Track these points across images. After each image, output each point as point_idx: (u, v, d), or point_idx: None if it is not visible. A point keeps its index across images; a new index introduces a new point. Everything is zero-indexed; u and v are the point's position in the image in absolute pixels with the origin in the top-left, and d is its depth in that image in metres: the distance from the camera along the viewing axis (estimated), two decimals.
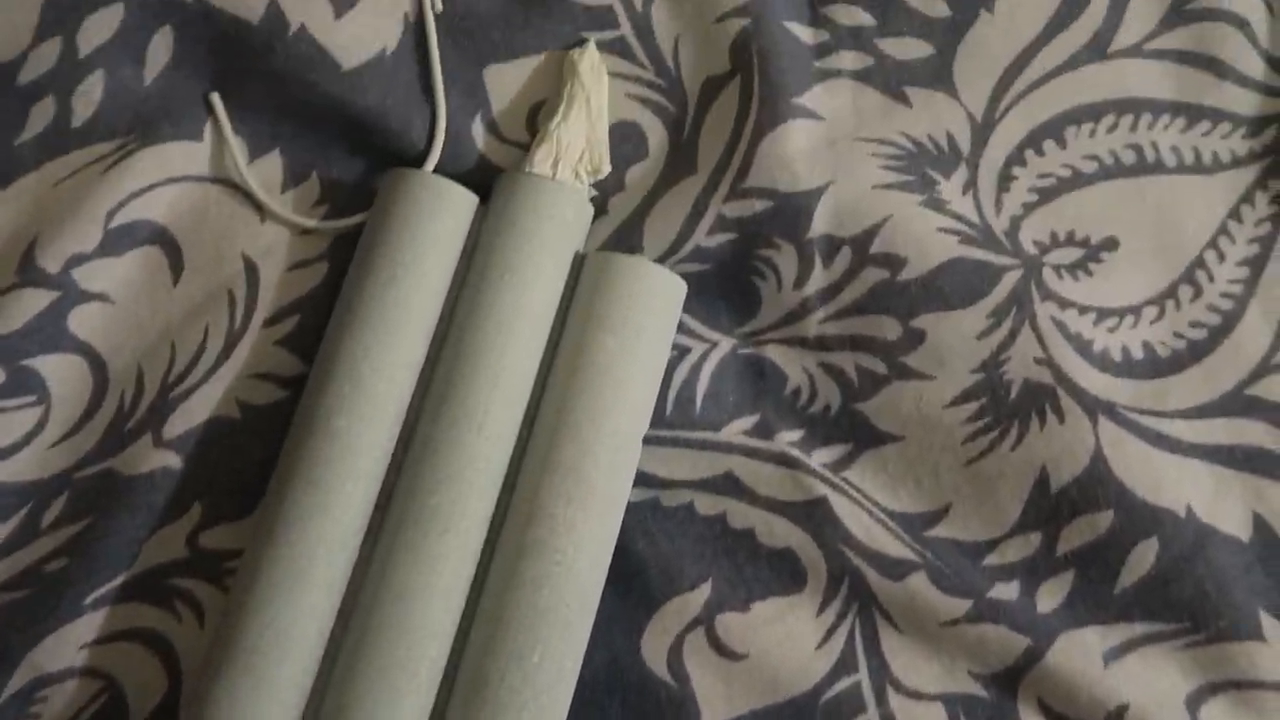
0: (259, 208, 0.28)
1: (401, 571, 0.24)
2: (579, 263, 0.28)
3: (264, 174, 0.29)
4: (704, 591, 0.27)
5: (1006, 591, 0.27)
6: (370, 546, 0.25)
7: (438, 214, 0.27)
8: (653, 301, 0.27)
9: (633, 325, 0.26)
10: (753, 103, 0.29)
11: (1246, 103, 0.31)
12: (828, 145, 0.29)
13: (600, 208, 0.29)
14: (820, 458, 0.29)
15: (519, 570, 0.25)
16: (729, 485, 0.28)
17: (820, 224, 0.29)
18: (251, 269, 0.28)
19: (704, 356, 0.29)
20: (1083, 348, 0.29)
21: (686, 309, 0.29)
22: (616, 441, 0.26)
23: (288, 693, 0.24)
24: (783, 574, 0.27)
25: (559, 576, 0.25)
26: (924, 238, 0.29)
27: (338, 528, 0.24)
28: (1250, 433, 0.28)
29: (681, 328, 0.29)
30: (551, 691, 0.24)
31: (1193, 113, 0.31)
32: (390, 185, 0.27)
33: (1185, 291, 0.29)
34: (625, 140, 0.30)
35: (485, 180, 0.29)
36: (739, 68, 0.29)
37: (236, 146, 0.28)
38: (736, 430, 0.29)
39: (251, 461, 0.27)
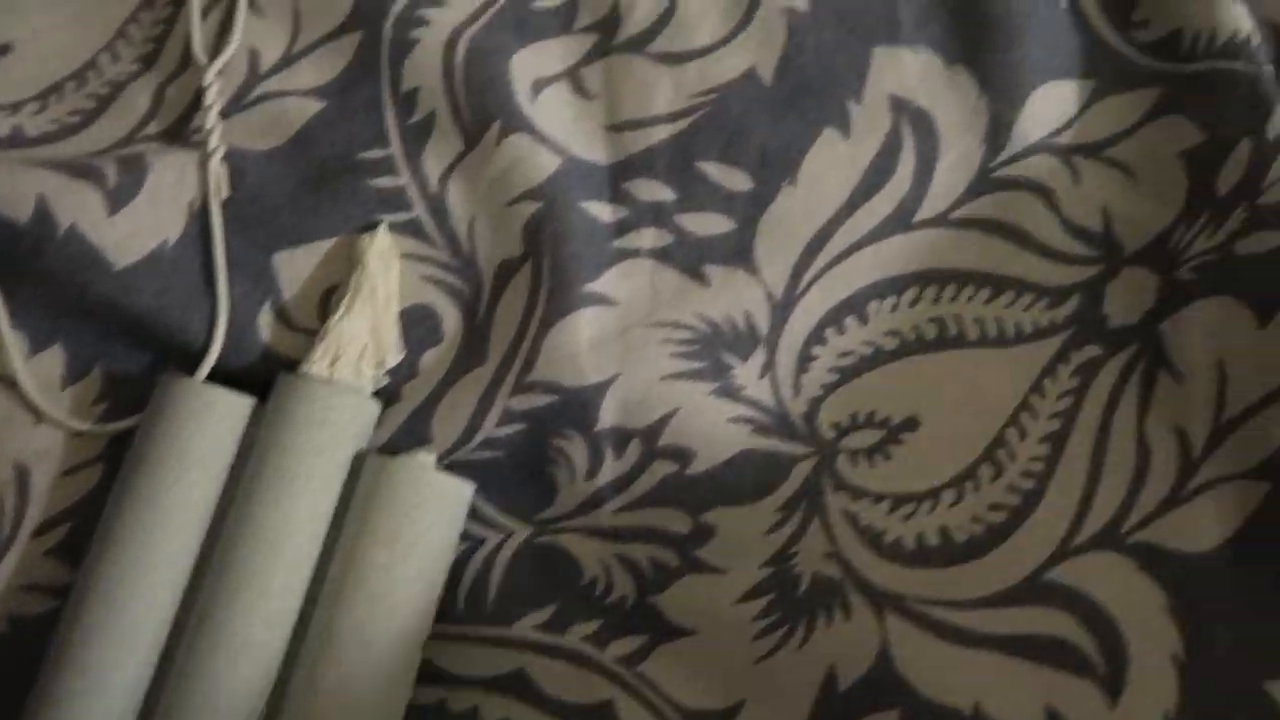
0: (35, 409, 0.28)
1: None
2: (360, 463, 0.27)
3: (44, 369, 0.28)
4: None
5: None
6: None
7: (206, 425, 0.26)
8: (430, 510, 0.26)
9: (406, 538, 0.26)
10: (541, 292, 0.28)
11: (1048, 272, 0.30)
12: (619, 334, 0.29)
13: (393, 395, 0.29)
14: (616, 650, 0.28)
15: None
16: (519, 685, 0.28)
17: (608, 417, 0.28)
18: (23, 475, 0.27)
19: (499, 546, 0.29)
20: (873, 540, 0.28)
21: (483, 496, 0.29)
22: (386, 660, 0.25)
23: None
24: None
25: None
26: (713, 429, 0.28)
27: None
28: (1046, 621, 0.28)
29: (476, 516, 0.29)
30: None
31: (996, 283, 0.30)
32: (160, 392, 0.27)
33: (986, 471, 0.29)
34: (419, 324, 0.29)
35: (272, 372, 0.28)
36: (531, 251, 0.29)
37: (14, 343, 0.28)
38: (530, 624, 0.28)
39: (25, 678, 0.26)
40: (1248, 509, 0.28)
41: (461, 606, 0.28)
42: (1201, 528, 0.28)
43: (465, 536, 0.29)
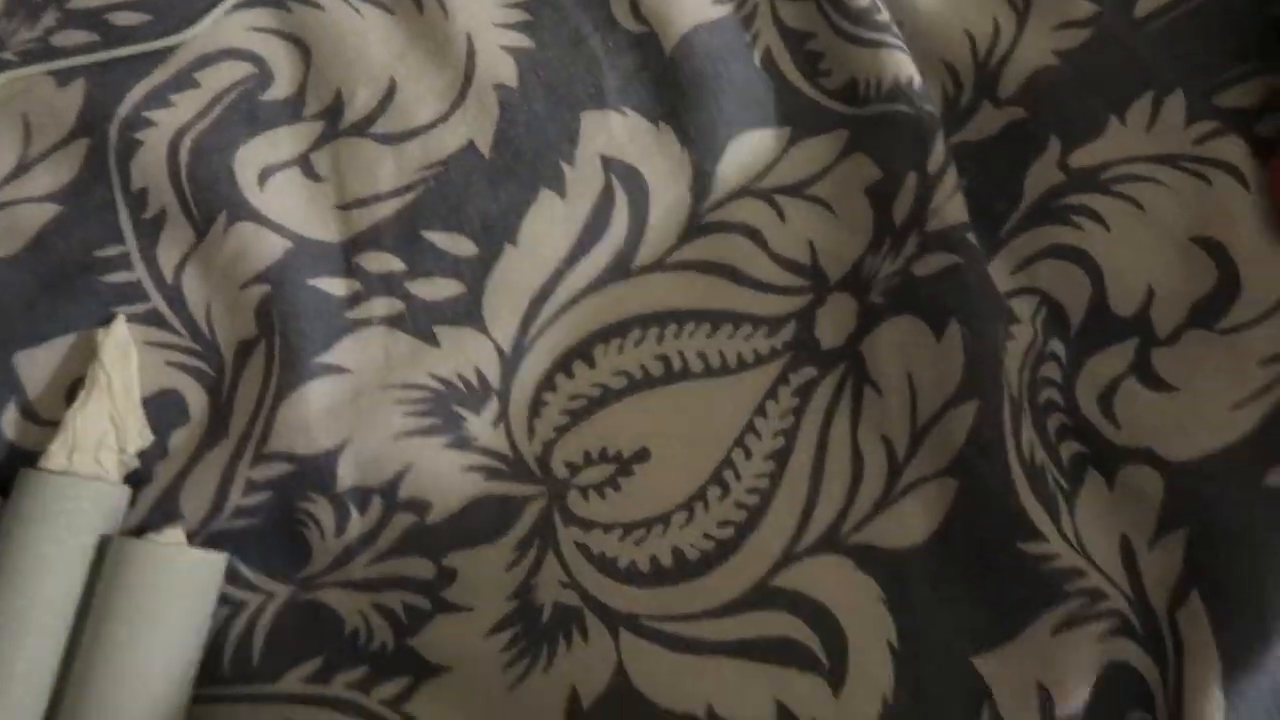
0: None
1: None
2: (106, 547, 0.29)
3: None
4: None
5: None
6: None
7: None
8: (172, 583, 0.28)
9: (147, 613, 0.27)
10: (274, 368, 0.30)
11: (764, 304, 0.33)
12: (350, 400, 0.31)
13: (145, 477, 0.30)
14: (381, 694, 0.30)
15: None
16: None
17: (347, 478, 0.30)
18: None
19: (261, 608, 0.30)
20: (606, 566, 0.30)
21: (241, 561, 0.30)
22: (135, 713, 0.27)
23: None
24: None
25: None
26: (448, 480, 0.30)
27: None
28: (773, 624, 0.30)
29: (237, 581, 0.30)
30: None
31: (715, 318, 0.33)
32: None
33: (714, 492, 0.31)
34: (168, 407, 0.31)
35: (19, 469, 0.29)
36: (263, 332, 0.31)
37: None
38: (296, 678, 0.29)
39: None
40: (946, 504, 0.31)
41: (227, 668, 0.29)
42: (909, 525, 0.31)
43: (226, 601, 0.30)
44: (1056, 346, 0.32)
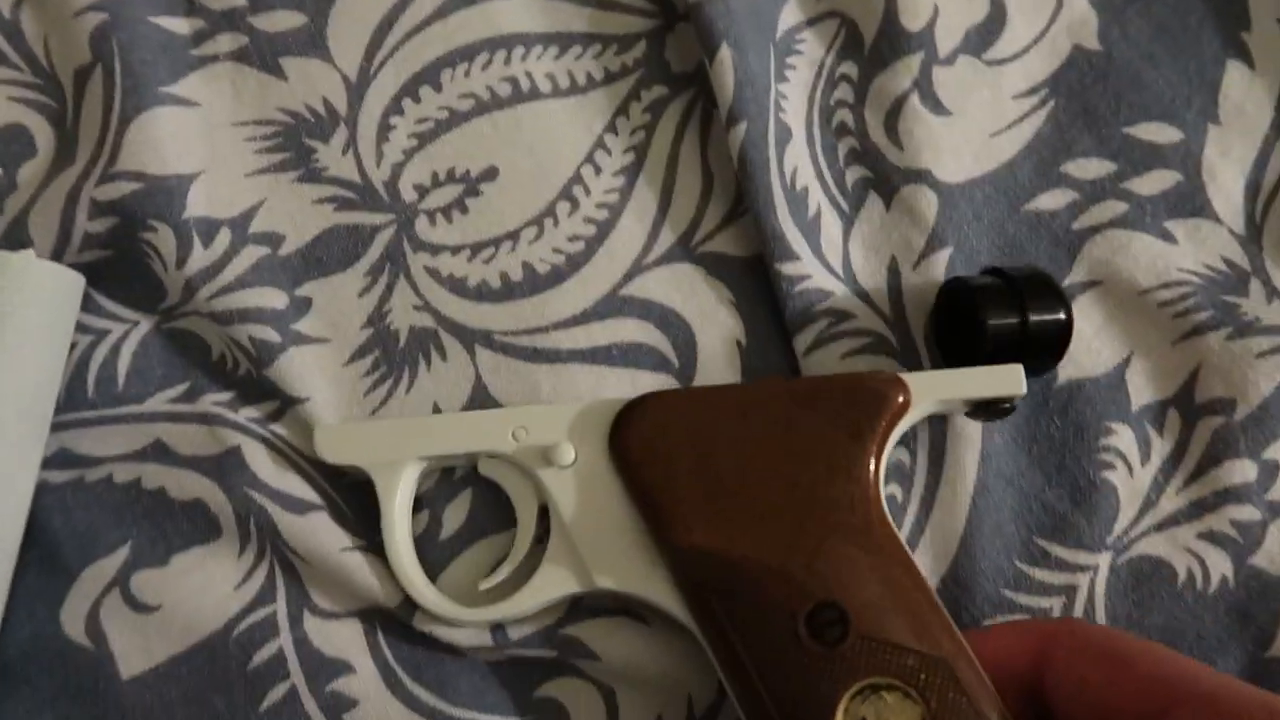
0: None
1: None
2: None
3: None
4: (121, 554, 0.29)
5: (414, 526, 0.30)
6: None
7: None
8: (26, 290, 0.28)
9: (13, 322, 0.28)
10: (117, 91, 0.30)
11: (615, 23, 0.33)
12: (203, 134, 0.31)
13: None
14: (247, 414, 0.30)
15: None
16: (156, 452, 0.30)
17: (196, 206, 0.30)
18: None
19: (124, 336, 0.31)
20: (457, 286, 0.31)
21: (104, 293, 0.31)
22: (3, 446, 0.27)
23: None
24: (198, 524, 0.29)
25: None
26: (300, 213, 0.31)
27: None
28: (624, 330, 0.31)
29: (97, 311, 0.31)
30: None
31: (564, 40, 0.33)
32: None
33: (563, 208, 0.32)
34: (14, 141, 0.31)
35: None
36: (99, 57, 0.30)
37: None
38: (162, 399, 0.30)
39: None
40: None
41: (92, 393, 0.30)
42: (751, 236, 0.32)
43: (88, 330, 0.30)
44: (850, 69, 0.33)
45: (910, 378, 0.27)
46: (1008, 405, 0.28)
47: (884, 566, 0.26)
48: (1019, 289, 0.28)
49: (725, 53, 0.31)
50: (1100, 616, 0.29)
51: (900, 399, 0.27)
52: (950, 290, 0.30)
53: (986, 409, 0.28)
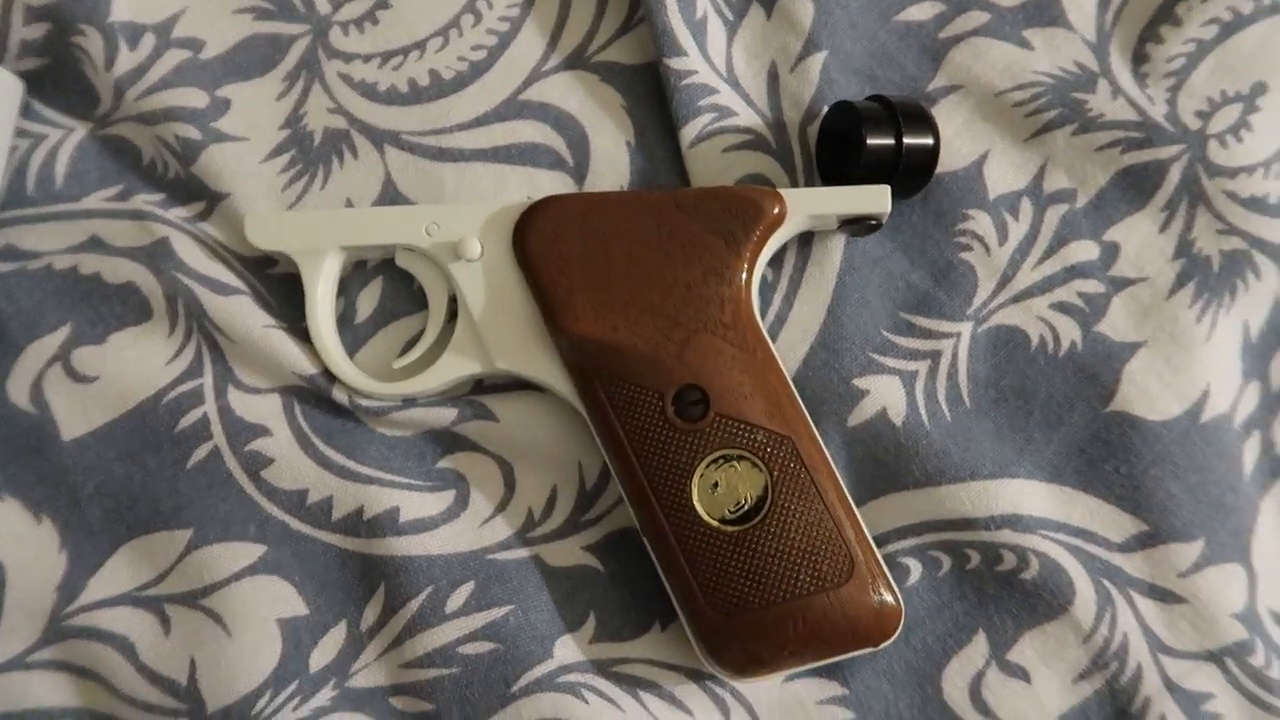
0: None
1: None
2: None
3: None
4: (62, 333, 0.31)
5: None
6: None
7: None
8: None
9: None
10: None
11: None
12: None
13: None
14: (178, 214, 0.33)
15: None
16: (92, 245, 0.32)
17: (119, 12, 0.33)
18: None
19: (61, 141, 0.33)
20: (368, 91, 0.33)
21: (41, 100, 0.33)
22: None
23: None
24: (131, 306, 0.32)
25: None
26: (220, 20, 0.33)
27: None
28: (523, 131, 0.33)
29: (35, 117, 0.33)
30: None
31: None
32: None
33: (467, 20, 0.34)
34: None
35: None
36: None
37: None
38: (98, 198, 0.33)
39: None
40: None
41: (32, 191, 0.33)
42: (645, 46, 0.34)
43: (27, 134, 0.33)
44: None
45: (787, 193, 0.30)
46: (874, 223, 0.31)
47: (746, 359, 0.29)
48: (895, 115, 0.31)
49: None
50: (962, 378, 0.31)
51: (775, 210, 0.30)
52: (834, 112, 0.32)
53: (854, 225, 0.31)
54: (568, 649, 0.30)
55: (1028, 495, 0.30)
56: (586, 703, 0.29)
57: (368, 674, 0.29)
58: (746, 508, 0.28)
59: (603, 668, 0.30)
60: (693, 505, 0.28)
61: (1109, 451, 0.30)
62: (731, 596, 0.27)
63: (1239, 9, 0.32)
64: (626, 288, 0.29)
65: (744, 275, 0.29)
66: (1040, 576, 0.28)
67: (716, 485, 0.28)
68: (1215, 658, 0.28)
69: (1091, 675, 0.28)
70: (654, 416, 0.28)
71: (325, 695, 0.29)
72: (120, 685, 0.29)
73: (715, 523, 0.28)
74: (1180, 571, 0.29)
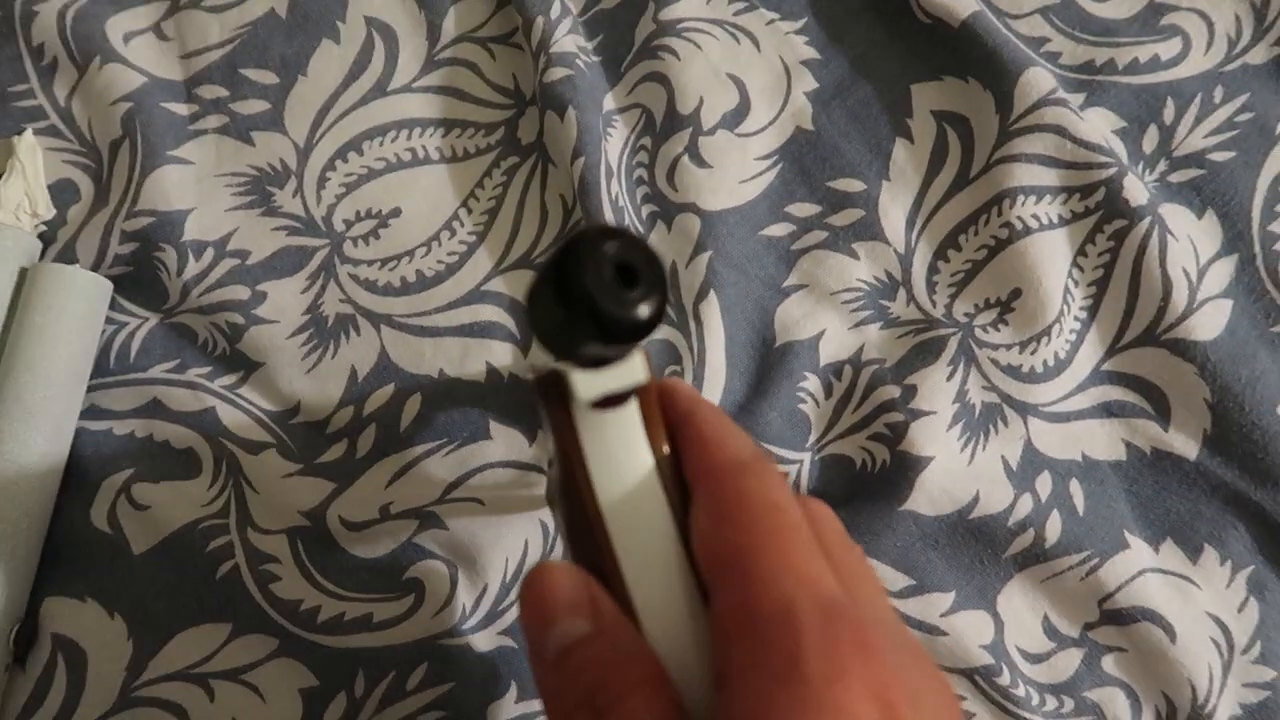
0: None
1: None
2: (25, 276, 0.42)
3: None
4: (127, 473, 0.41)
5: (333, 453, 0.43)
6: None
7: None
8: (72, 290, 0.42)
9: (57, 306, 0.41)
10: (139, 155, 0.44)
11: (483, 114, 0.48)
12: (195, 182, 0.45)
13: (51, 238, 0.44)
14: (222, 382, 0.44)
15: None
16: (154, 408, 0.43)
17: (190, 234, 0.44)
18: None
19: (138, 327, 0.44)
20: (370, 285, 0.45)
21: (123, 296, 0.44)
22: (50, 385, 0.40)
23: None
24: (188, 465, 0.42)
25: (10, 469, 0.39)
26: (262, 236, 0.45)
27: None
28: (484, 313, 0.44)
29: (119, 309, 0.44)
30: (8, 542, 0.38)
31: (449, 124, 0.48)
32: None
33: (445, 235, 0.46)
34: (64, 191, 0.45)
35: None
36: (127, 133, 0.45)
37: None
38: (160, 370, 0.44)
39: None
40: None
41: (112, 365, 0.43)
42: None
43: (111, 322, 0.44)
44: (646, 141, 0.48)
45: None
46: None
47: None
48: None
49: (571, 112, 0.45)
50: (804, 489, 0.42)
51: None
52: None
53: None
54: (500, 710, 0.40)
55: None
56: None
57: None
58: None
59: None
60: None
61: (895, 536, 0.41)
62: None
63: (999, 236, 0.45)
64: None
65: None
66: None
67: None
68: (968, 674, 0.39)
69: None
70: None
71: None
72: None
73: None
74: (941, 613, 0.40)
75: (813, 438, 0.43)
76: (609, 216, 0.44)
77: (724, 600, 0.24)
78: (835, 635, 0.22)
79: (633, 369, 0.26)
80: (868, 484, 0.42)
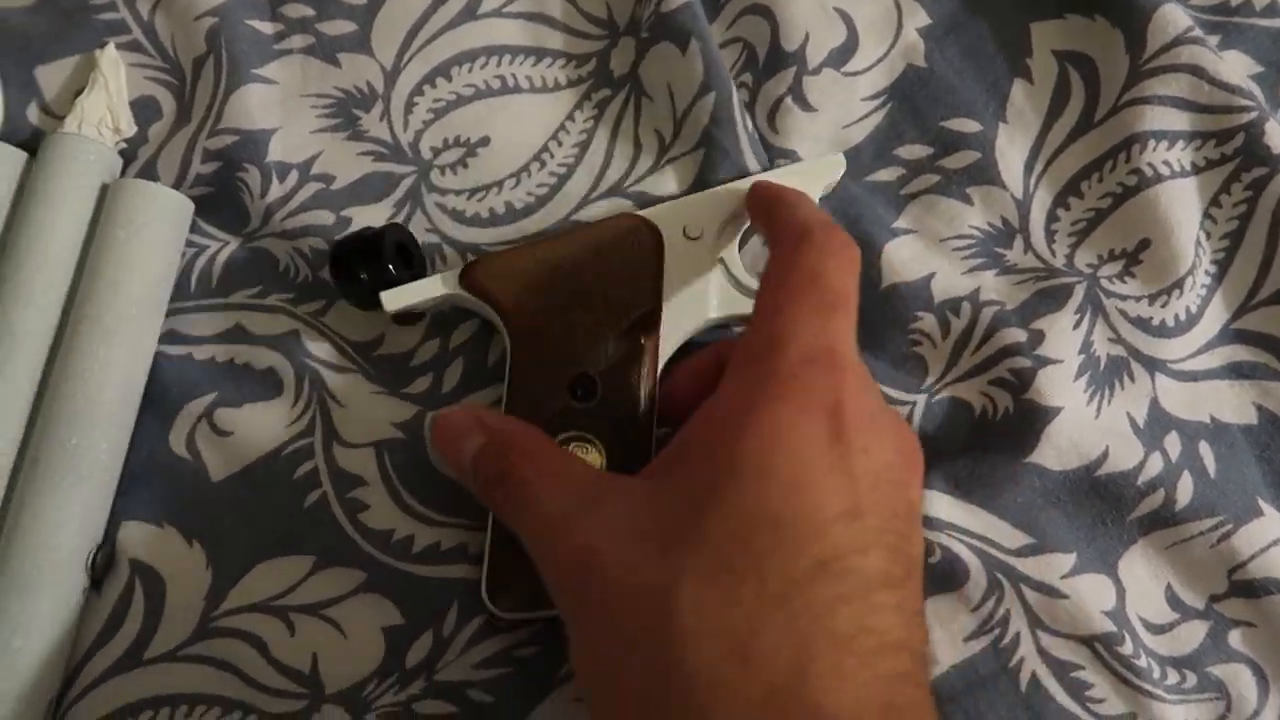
0: None
1: None
2: (106, 191, 0.41)
3: None
4: (209, 398, 0.40)
5: (420, 385, 0.41)
6: None
7: None
8: (154, 207, 0.40)
9: (138, 223, 0.40)
10: (223, 73, 0.43)
11: (574, 44, 0.46)
12: (280, 102, 0.44)
13: (131, 156, 0.43)
14: (305, 309, 0.42)
15: (62, 386, 0.38)
16: (236, 333, 0.41)
17: (274, 154, 0.43)
18: None
19: (218, 251, 0.43)
20: (457, 215, 0.43)
21: (203, 219, 0.43)
22: (131, 304, 0.39)
23: None
24: (269, 385, 0.40)
25: (91, 389, 0.38)
26: (347, 161, 0.43)
27: None
28: None
29: (199, 232, 0.43)
30: (89, 465, 0.37)
31: (539, 53, 0.46)
32: None
33: (535, 166, 0.44)
34: (145, 109, 0.44)
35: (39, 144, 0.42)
36: (212, 49, 0.43)
37: None
38: (242, 295, 0.42)
39: None
40: (697, 166, 0.44)
41: (193, 288, 0.42)
42: (670, 182, 0.44)
43: (191, 245, 0.42)
44: (747, 78, 0.45)
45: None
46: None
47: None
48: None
49: (695, 44, 0.43)
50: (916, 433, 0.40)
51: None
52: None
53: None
54: None
55: (934, 503, 0.38)
56: None
57: (448, 671, 0.37)
58: None
59: None
60: None
61: (1017, 490, 0.38)
62: None
63: (1127, 184, 0.42)
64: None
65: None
66: (942, 562, 0.37)
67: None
68: (1087, 642, 0.37)
69: (978, 636, 0.37)
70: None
71: (417, 686, 0.37)
72: (253, 674, 0.37)
73: None
74: (1062, 574, 0.37)
75: (929, 379, 0.41)
76: (747, 153, 0.43)
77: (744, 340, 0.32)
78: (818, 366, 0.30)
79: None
80: (989, 432, 0.40)
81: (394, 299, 0.39)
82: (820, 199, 0.42)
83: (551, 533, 0.30)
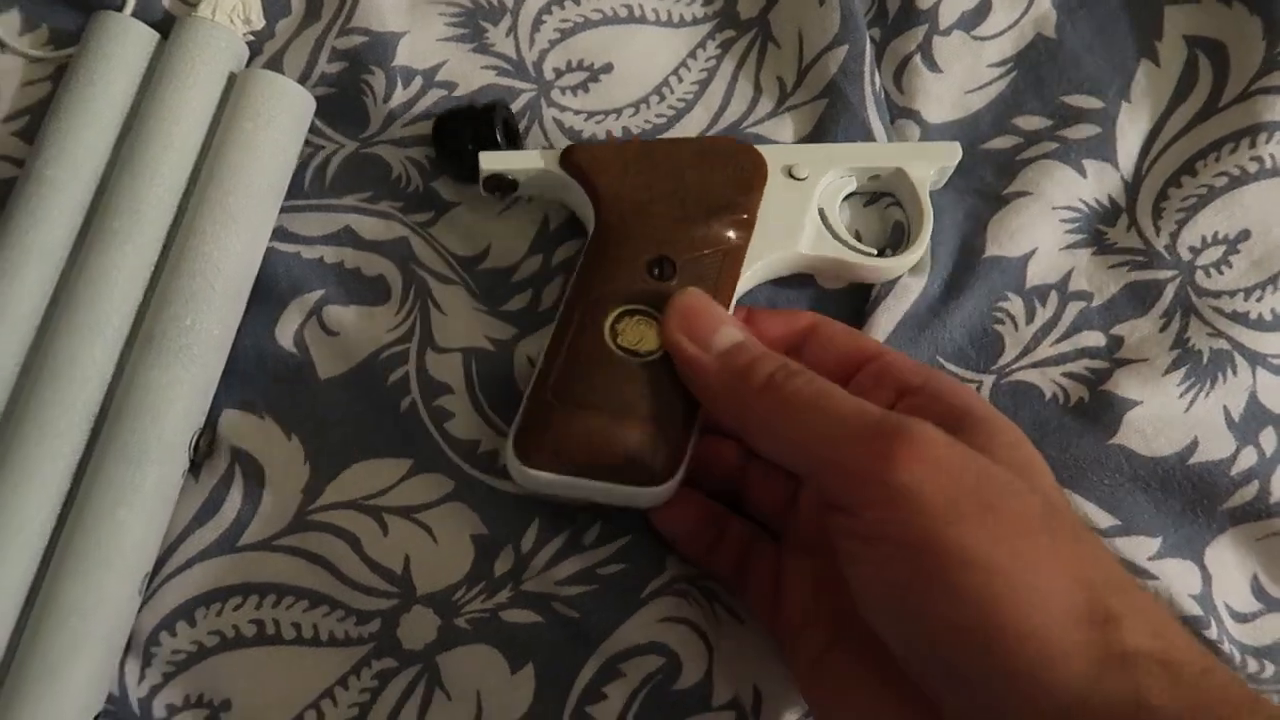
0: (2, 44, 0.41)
1: (94, 265, 0.37)
2: (234, 80, 0.41)
3: (6, 23, 0.41)
4: (318, 294, 0.40)
5: (518, 302, 0.41)
6: (76, 253, 0.38)
7: (124, 44, 0.40)
8: (281, 100, 0.40)
9: (265, 114, 0.40)
10: None
11: None
12: (410, 7, 0.44)
13: (256, 50, 0.43)
14: (414, 219, 0.42)
15: (181, 265, 0.38)
16: (346, 236, 0.41)
17: (400, 59, 0.43)
18: None
19: (333, 153, 0.43)
20: (573, 134, 0.43)
21: (321, 119, 0.43)
22: (251, 193, 0.39)
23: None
24: (377, 290, 0.40)
25: (210, 271, 0.38)
26: (471, 72, 0.43)
27: (49, 238, 0.37)
28: None
29: (317, 133, 0.43)
30: (201, 346, 0.37)
31: None
32: (93, 24, 0.40)
33: (654, 99, 0.44)
34: (274, 3, 0.43)
35: (170, 27, 0.42)
36: None
37: None
38: (354, 199, 0.42)
39: None
40: (817, 116, 0.44)
41: (307, 188, 0.42)
42: (787, 130, 0.44)
43: (308, 144, 0.42)
44: (875, 33, 0.45)
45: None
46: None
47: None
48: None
49: None
50: None
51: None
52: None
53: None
54: (674, 563, 0.38)
55: None
56: (695, 604, 0.37)
57: (533, 583, 0.37)
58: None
59: (693, 580, 0.38)
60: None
61: (1104, 471, 0.39)
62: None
63: (1246, 168, 0.42)
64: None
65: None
66: None
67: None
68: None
69: None
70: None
71: (504, 595, 0.37)
72: (345, 570, 0.38)
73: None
74: (1149, 556, 0.38)
75: (1003, 360, 0.41)
76: (870, 108, 0.42)
77: None
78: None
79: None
80: (1062, 417, 0.40)
81: (492, 160, 0.40)
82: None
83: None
